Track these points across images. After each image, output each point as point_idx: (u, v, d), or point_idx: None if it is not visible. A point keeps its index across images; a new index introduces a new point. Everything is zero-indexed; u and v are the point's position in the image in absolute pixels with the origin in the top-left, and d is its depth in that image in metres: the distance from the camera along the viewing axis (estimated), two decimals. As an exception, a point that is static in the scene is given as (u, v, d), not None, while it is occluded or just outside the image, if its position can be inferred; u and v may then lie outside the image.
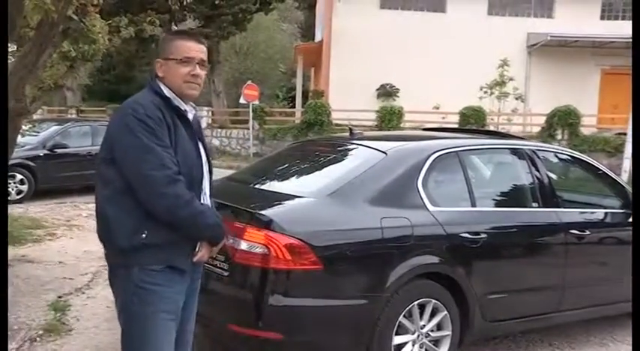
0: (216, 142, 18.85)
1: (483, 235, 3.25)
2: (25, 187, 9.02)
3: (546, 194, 3.72)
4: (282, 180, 3.59)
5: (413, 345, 3.08)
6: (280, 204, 3.01)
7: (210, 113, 20.36)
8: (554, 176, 3.98)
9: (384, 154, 3.28)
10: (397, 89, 18.85)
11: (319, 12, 22.66)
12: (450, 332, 3.18)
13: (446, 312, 3.15)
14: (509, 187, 3.87)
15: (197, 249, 2.10)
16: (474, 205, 3.39)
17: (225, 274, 2.90)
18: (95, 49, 6.12)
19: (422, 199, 3.15)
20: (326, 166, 3.59)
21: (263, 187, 3.49)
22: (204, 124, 19.47)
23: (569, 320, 3.92)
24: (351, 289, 2.88)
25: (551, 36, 17.78)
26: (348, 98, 17.61)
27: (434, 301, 3.11)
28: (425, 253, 3.08)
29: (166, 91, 2.07)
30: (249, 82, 18.49)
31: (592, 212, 4.08)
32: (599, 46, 18.37)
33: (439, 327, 3.18)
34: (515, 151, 3.85)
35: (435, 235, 3.12)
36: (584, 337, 4.04)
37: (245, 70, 29.89)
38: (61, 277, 4.88)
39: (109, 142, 2.01)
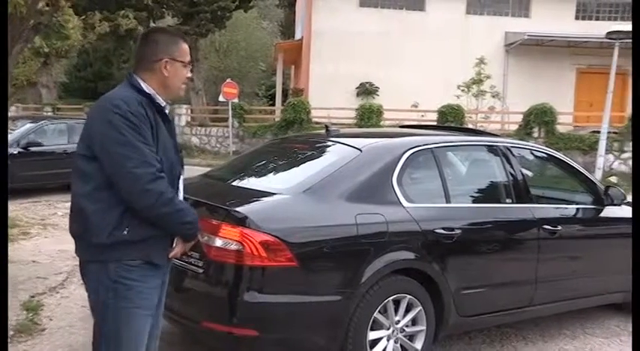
0: (195, 140, 18.72)
1: (458, 231, 3.28)
2: (-2, 186, 8.84)
3: (520, 190, 3.77)
4: (258, 177, 3.58)
5: (388, 340, 3.10)
6: (255, 201, 3.01)
7: (189, 111, 20.19)
8: (527, 173, 4.04)
9: (359, 151, 3.29)
10: (377, 87, 18.92)
11: (299, 10, 22.65)
12: (424, 327, 3.21)
13: (420, 307, 3.17)
14: (483, 183, 3.92)
15: (174, 245, 2.13)
16: (448, 201, 3.42)
17: (200, 271, 2.88)
18: (69, 45, 6.05)
19: (397, 195, 3.17)
20: (302, 163, 3.59)
21: (239, 184, 3.48)
22: (183, 122, 19.34)
23: (543, 314, 3.98)
24: (326, 286, 2.89)
25: (528, 35, 18.01)
26: (328, 96, 17.64)
27: (409, 296, 3.13)
28: (400, 249, 3.10)
29: (146, 88, 2.09)
30: (228, 79, 18.36)
31: (565, 208, 4.15)
32: (575, 45, 18.67)
33: (414, 322, 3.20)
34: (489, 148, 3.90)
35: (409, 231, 3.14)
36: (556, 330, 4.11)
37: (225, 68, 29.68)
38: (35, 276, 4.81)
39: (90, 138, 2.00)
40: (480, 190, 3.85)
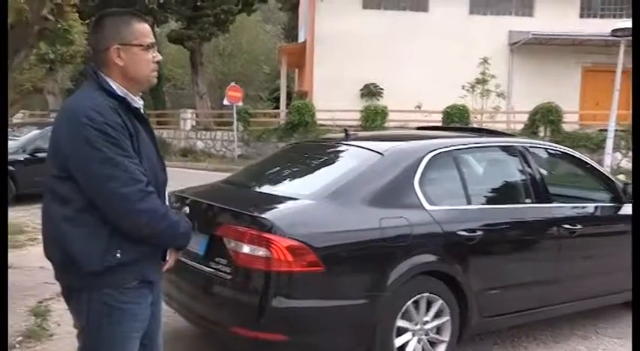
0: (200, 144, 18.77)
1: (479, 232, 3.29)
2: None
3: (539, 190, 3.77)
4: (279, 182, 3.59)
5: (414, 339, 3.09)
6: (280, 206, 3.02)
7: (194, 115, 20.27)
8: (545, 172, 4.04)
9: (381, 155, 3.30)
10: (381, 89, 18.93)
11: (302, 13, 22.67)
12: (449, 322, 3.19)
13: (445, 306, 3.17)
14: (502, 184, 3.92)
15: (167, 257, 2.00)
16: (469, 202, 3.43)
17: (228, 277, 2.89)
18: (74, 51, 6.04)
19: (419, 198, 3.18)
20: (323, 168, 3.61)
21: (261, 189, 3.50)
22: (188, 127, 19.41)
23: (561, 313, 3.96)
24: (352, 290, 2.90)
25: (532, 34, 17.99)
26: (332, 98, 17.64)
27: (431, 295, 3.13)
28: (423, 251, 3.11)
29: (118, 89, 1.83)
30: (232, 83, 18.41)
31: (583, 207, 4.14)
32: (579, 43, 18.64)
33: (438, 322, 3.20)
34: (507, 149, 3.91)
35: (432, 234, 3.15)
36: (567, 330, 4.08)
37: (229, 71, 29.76)
38: (42, 282, 4.76)
39: (61, 156, 1.77)
40: (499, 191, 3.85)
